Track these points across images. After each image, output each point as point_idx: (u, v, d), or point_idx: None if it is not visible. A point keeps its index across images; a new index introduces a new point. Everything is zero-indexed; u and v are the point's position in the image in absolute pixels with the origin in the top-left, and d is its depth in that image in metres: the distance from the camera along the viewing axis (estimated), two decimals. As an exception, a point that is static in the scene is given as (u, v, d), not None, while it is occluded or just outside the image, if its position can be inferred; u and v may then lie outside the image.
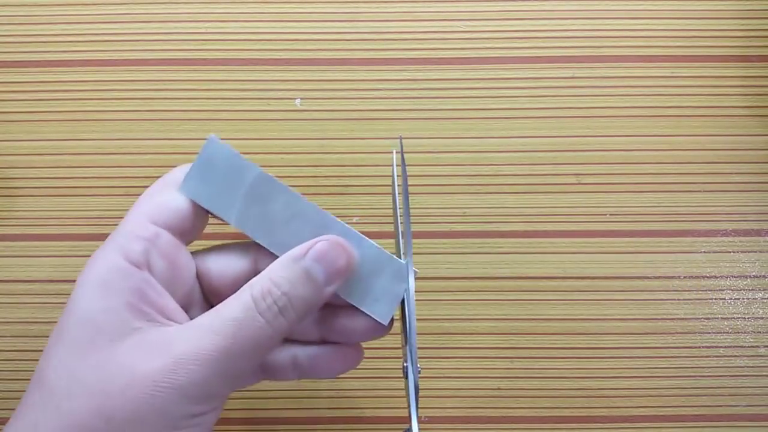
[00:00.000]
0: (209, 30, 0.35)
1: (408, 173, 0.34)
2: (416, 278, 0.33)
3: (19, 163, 0.34)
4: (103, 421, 0.20)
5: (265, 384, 0.33)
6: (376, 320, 0.25)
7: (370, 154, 0.34)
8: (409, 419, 0.24)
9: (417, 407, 0.24)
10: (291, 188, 0.24)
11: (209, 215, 0.25)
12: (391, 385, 0.33)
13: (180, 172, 0.25)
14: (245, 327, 0.22)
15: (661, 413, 0.33)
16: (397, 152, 0.28)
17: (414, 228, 0.34)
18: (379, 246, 0.25)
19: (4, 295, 0.33)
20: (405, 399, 0.33)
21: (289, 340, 0.26)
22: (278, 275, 0.23)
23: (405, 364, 0.25)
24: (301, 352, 0.26)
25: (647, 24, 0.35)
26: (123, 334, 0.21)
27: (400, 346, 0.34)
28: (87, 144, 0.35)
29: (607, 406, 0.33)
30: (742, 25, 0.35)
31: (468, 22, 0.35)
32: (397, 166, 0.27)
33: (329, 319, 0.26)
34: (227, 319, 0.22)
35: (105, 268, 0.22)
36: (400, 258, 0.25)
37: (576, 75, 0.35)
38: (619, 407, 0.33)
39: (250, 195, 0.24)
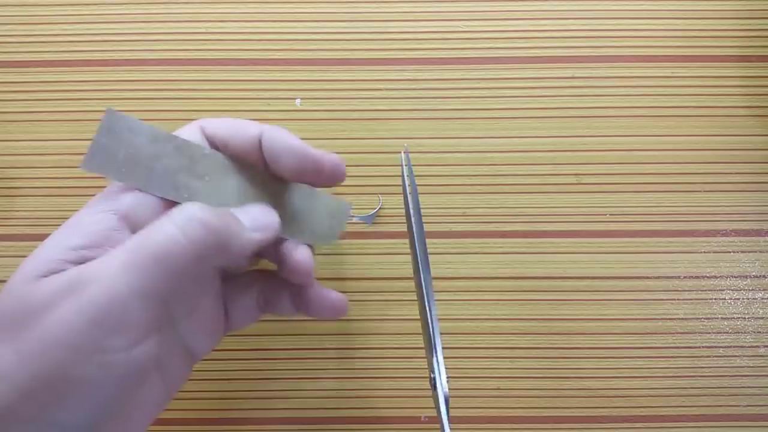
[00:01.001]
0: (209, 30, 0.35)
1: (407, 173, 0.34)
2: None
3: (19, 163, 0.34)
4: (12, 351, 0.19)
5: (265, 384, 0.33)
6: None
7: (370, 154, 0.34)
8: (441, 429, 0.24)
9: (449, 419, 0.24)
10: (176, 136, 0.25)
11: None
12: (391, 385, 0.33)
13: (194, 123, 0.26)
14: (153, 235, 0.20)
15: (661, 413, 0.33)
16: (405, 164, 0.29)
17: (414, 228, 0.34)
18: (313, 189, 0.27)
19: (4, 295, 0.33)
20: (411, 399, 0.33)
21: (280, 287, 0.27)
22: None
23: (432, 375, 0.25)
24: (265, 290, 0.28)
25: (647, 24, 0.35)
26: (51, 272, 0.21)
27: (400, 346, 0.34)
28: (87, 144, 0.34)
29: (607, 406, 0.33)
30: (742, 25, 0.35)
31: (468, 22, 0.35)
32: (406, 176, 0.28)
33: (301, 296, 0.27)
34: (138, 235, 0.21)
35: (77, 215, 0.23)
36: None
37: (576, 75, 0.35)
38: (619, 407, 0.33)
39: (159, 158, 0.24)
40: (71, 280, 0.20)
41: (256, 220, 0.24)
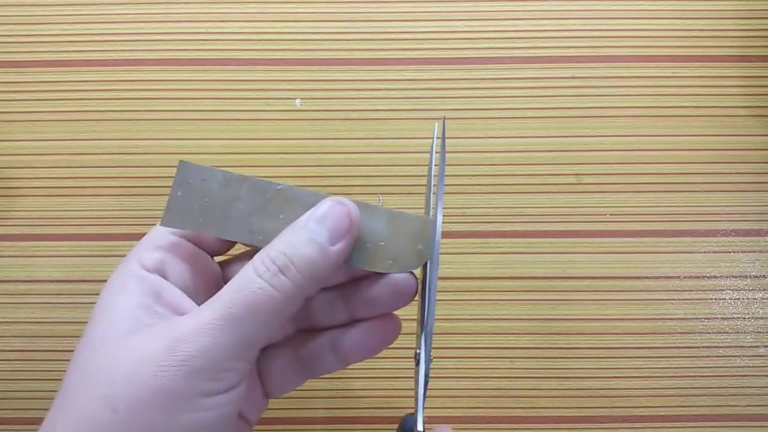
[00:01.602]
0: (209, 30, 0.35)
1: (408, 173, 0.34)
2: (417, 278, 0.33)
3: (19, 163, 0.34)
4: (108, 410, 0.20)
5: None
6: (397, 279, 0.25)
7: (370, 154, 0.34)
8: (415, 406, 0.24)
9: (425, 395, 0.24)
10: (269, 180, 0.24)
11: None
12: (391, 385, 0.33)
13: None
14: (243, 290, 0.21)
15: (661, 413, 0.33)
16: (438, 136, 0.27)
17: (414, 228, 0.34)
18: (392, 209, 0.25)
19: (4, 295, 0.33)
20: (404, 399, 0.33)
21: (323, 328, 0.26)
22: (280, 241, 0.22)
23: (417, 351, 0.25)
24: (338, 335, 0.26)
25: (647, 24, 0.35)
26: (134, 330, 0.21)
27: (400, 346, 0.34)
28: (87, 144, 0.35)
29: (607, 406, 0.33)
30: (742, 25, 0.35)
31: (468, 22, 0.35)
32: (437, 138, 0.26)
33: (353, 294, 0.26)
34: (227, 289, 0.21)
35: (121, 276, 0.23)
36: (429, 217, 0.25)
37: (576, 75, 0.35)
38: (619, 407, 0.33)
39: (233, 203, 0.24)
40: (167, 339, 0.20)
41: (331, 225, 0.23)
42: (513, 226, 0.34)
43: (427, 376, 0.24)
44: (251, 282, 0.21)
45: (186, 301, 0.23)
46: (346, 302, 0.26)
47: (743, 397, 0.33)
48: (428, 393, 0.31)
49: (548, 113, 0.35)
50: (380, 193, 0.34)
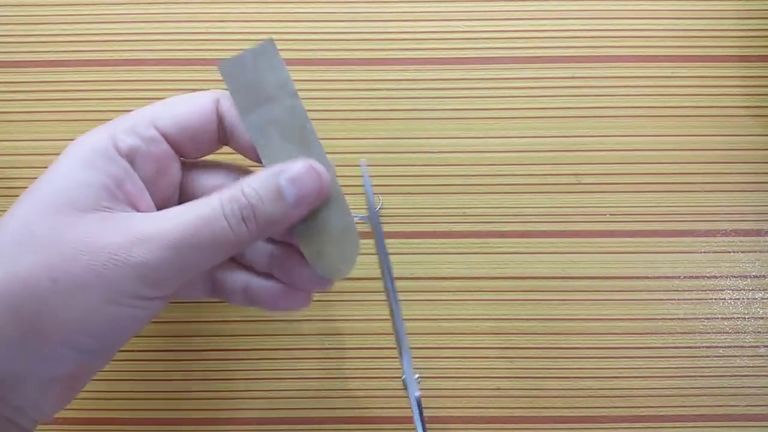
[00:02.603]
0: (209, 30, 0.35)
1: (408, 173, 0.34)
2: (416, 278, 0.33)
3: (19, 163, 0.34)
4: (49, 279, 0.20)
5: (265, 384, 0.33)
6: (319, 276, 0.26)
7: (370, 154, 0.34)
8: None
9: (423, 423, 0.25)
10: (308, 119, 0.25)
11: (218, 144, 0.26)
12: (391, 385, 0.33)
13: (214, 92, 0.26)
14: (207, 224, 0.22)
15: (661, 413, 0.33)
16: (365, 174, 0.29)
17: (414, 228, 0.34)
18: (349, 209, 0.26)
19: (4, 295, 0.33)
20: (401, 399, 0.33)
21: (243, 267, 0.27)
22: (250, 186, 0.23)
23: (403, 377, 0.25)
24: (253, 282, 0.27)
25: (647, 24, 0.35)
26: (90, 209, 0.22)
27: (396, 346, 0.34)
28: (87, 144, 0.34)
29: (607, 406, 0.33)
30: (742, 25, 0.35)
31: (468, 22, 0.35)
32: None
33: (281, 254, 0.27)
34: (193, 214, 0.22)
35: (92, 147, 0.23)
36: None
37: (576, 75, 0.35)
38: (619, 407, 0.33)
39: (271, 113, 0.25)
40: (125, 236, 0.21)
41: (301, 190, 0.24)
42: (513, 226, 0.34)
43: (418, 399, 0.25)
44: (216, 219, 0.22)
45: (145, 198, 0.24)
46: (272, 257, 0.27)
47: (743, 397, 0.33)
48: (429, 393, 0.31)
49: (548, 113, 0.35)
50: (380, 194, 0.34)
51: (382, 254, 0.27)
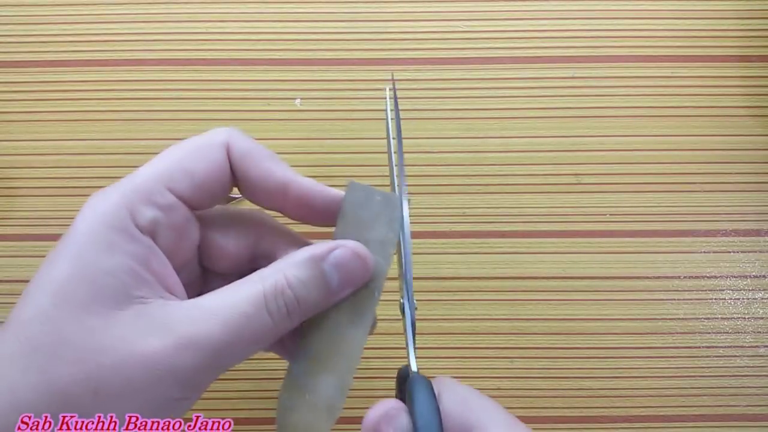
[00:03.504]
0: (209, 30, 0.35)
1: (408, 173, 0.34)
2: (417, 278, 0.33)
3: (19, 163, 0.34)
4: (90, 391, 0.19)
5: (264, 383, 0.33)
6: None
7: (370, 154, 0.34)
8: (407, 350, 0.25)
9: (414, 343, 0.25)
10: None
11: (231, 190, 0.24)
12: (391, 385, 0.33)
13: (222, 133, 0.23)
14: (252, 323, 0.21)
15: (661, 413, 0.33)
16: (390, 90, 0.27)
17: (414, 228, 0.34)
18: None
19: (4, 295, 0.33)
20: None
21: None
22: (293, 274, 0.22)
23: (402, 301, 0.25)
24: None
25: (647, 24, 0.35)
26: (122, 302, 0.20)
27: (399, 346, 0.34)
28: (87, 144, 0.35)
29: (607, 406, 0.33)
30: (742, 25, 0.35)
31: (468, 22, 0.35)
32: (390, 98, 0.26)
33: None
34: (236, 311, 0.20)
35: (110, 224, 0.20)
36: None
37: (576, 75, 0.35)
38: (619, 407, 0.33)
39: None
40: (165, 340, 0.20)
41: (346, 275, 0.23)
42: (513, 226, 0.34)
43: (413, 323, 0.25)
44: (260, 317, 0.21)
45: (172, 275, 0.22)
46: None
47: (743, 397, 0.33)
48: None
49: (548, 113, 0.35)
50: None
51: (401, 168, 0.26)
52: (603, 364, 0.33)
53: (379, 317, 0.33)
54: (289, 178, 0.23)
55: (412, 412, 0.23)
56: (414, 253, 0.34)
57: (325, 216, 0.24)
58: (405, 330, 0.25)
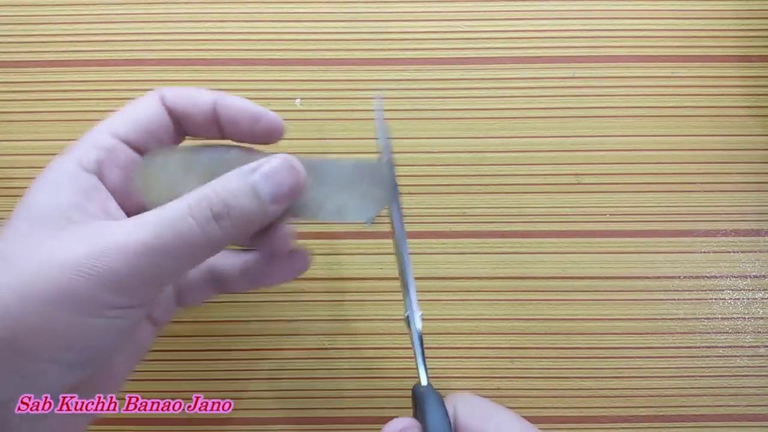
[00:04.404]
0: (209, 30, 0.35)
1: (408, 173, 0.34)
2: (417, 278, 0.33)
3: (19, 163, 0.34)
4: (20, 300, 0.20)
5: (265, 384, 0.33)
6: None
7: (370, 154, 0.34)
8: (416, 364, 0.25)
9: (424, 356, 0.25)
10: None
11: (178, 134, 0.27)
12: (391, 385, 0.33)
13: (155, 92, 0.26)
14: (172, 225, 0.21)
15: (661, 413, 0.33)
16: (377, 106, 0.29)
17: (414, 228, 0.34)
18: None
19: (4, 295, 0.33)
20: (403, 399, 0.33)
21: (238, 252, 0.28)
22: (222, 185, 0.23)
23: (407, 314, 0.26)
24: (248, 261, 0.27)
25: (647, 24, 0.35)
26: (62, 227, 0.22)
27: (399, 346, 0.34)
28: (87, 144, 0.34)
29: (607, 406, 0.33)
30: (742, 25, 0.35)
31: (468, 22, 0.35)
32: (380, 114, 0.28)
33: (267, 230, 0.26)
34: (158, 216, 0.22)
35: (57, 170, 0.23)
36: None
37: (576, 75, 0.35)
38: (619, 407, 0.33)
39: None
40: (90, 246, 0.21)
41: (276, 186, 0.23)
42: (513, 226, 0.34)
43: (420, 334, 0.26)
44: (182, 219, 0.22)
45: (117, 210, 0.24)
46: (261, 234, 0.27)
47: (743, 397, 0.33)
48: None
49: (548, 113, 0.35)
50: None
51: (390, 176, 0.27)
52: (603, 364, 0.33)
53: (376, 316, 0.33)
54: (216, 96, 0.26)
55: (424, 427, 0.24)
56: (414, 253, 0.34)
57: (256, 133, 0.26)
58: (412, 344, 0.25)
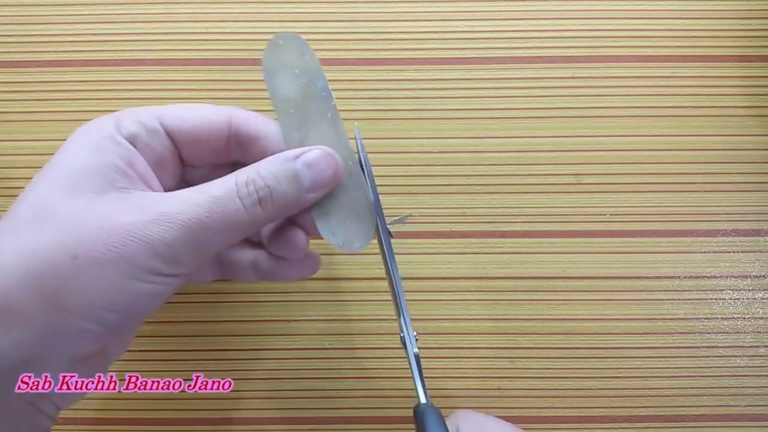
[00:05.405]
0: (209, 30, 0.35)
1: (408, 173, 0.34)
2: (417, 278, 0.33)
3: (19, 163, 0.34)
4: (69, 256, 0.21)
5: (265, 384, 0.33)
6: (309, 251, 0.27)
7: (370, 154, 0.34)
8: (414, 383, 0.25)
9: (421, 375, 0.25)
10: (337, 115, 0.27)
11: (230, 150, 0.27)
12: (391, 385, 0.33)
13: (224, 110, 0.26)
14: (223, 205, 0.23)
15: (661, 413, 0.33)
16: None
17: (414, 228, 0.34)
18: (366, 186, 0.27)
19: (4, 295, 0.33)
20: (404, 399, 0.33)
21: (252, 244, 0.28)
22: (266, 169, 0.24)
23: (402, 335, 0.26)
24: (260, 257, 0.28)
25: (647, 24, 0.35)
26: (107, 190, 0.22)
27: (399, 346, 0.34)
28: (87, 144, 0.34)
29: (607, 406, 0.33)
30: (742, 25, 0.35)
31: (468, 22, 0.35)
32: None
33: (284, 228, 0.27)
34: (208, 195, 0.23)
35: (99, 132, 0.24)
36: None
37: (576, 75, 0.35)
38: (619, 407, 0.33)
39: (304, 93, 0.27)
40: (142, 214, 0.22)
41: (316, 174, 0.25)
42: (513, 226, 0.34)
43: (417, 355, 0.26)
44: (231, 201, 0.23)
45: (154, 179, 0.25)
46: (277, 231, 0.28)
47: (743, 397, 0.33)
48: (429, 393, 0.31)
49: (548, 113, 0.35)
50: (380, 193, 0.34)
51: (377, 208, 0.28)
52: (603, 364, 0.33)
53: (376, 316, 0.33)
54: (227, 114, 0.26)
55: None
56: (414, 254, 0.34)
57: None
58: (409, 363, 0.26)
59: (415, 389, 0.25)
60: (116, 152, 0.23)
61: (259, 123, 0.26)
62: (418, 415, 0.25)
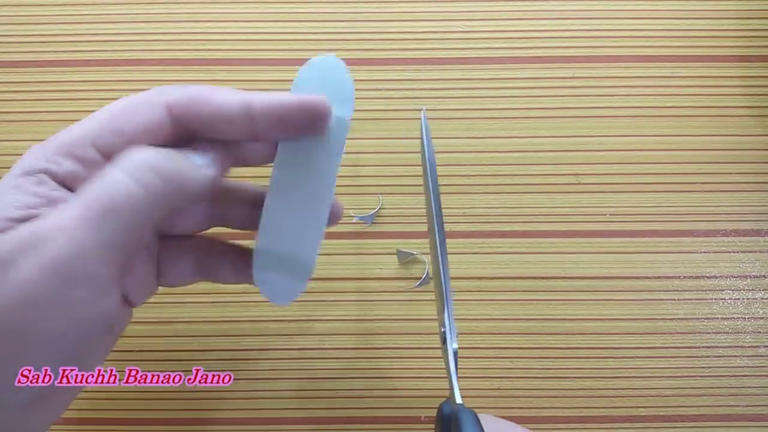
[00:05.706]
0: (209, 30, 0.35)
1: (408, 173, 0.34)
2: (417, 278, 0.33)
3: (19, 163, 0.34)
4: None
5: (265, 384, 0.33)
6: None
7: (370, 154, 0.34)
8: (449, 382, 0.25)
9: (457, 373, 0.25)
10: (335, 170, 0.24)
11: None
12: (391, 385, 0.33)
13: (161, 92, 0.23)
14: (105, 186, 0.19)
15: (661, 413, 0.33)
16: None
17: (414, 228, 0.34)
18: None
19: (4, 295, 0.33)
20: (404, 399, 0.33)
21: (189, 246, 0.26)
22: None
23: (443, 329, 0.26)
24: (240, 256, 0.25)
25: (647, 24, 0.35)
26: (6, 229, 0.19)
27: (399, 346, 0.34)
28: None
29: (607, 406, 0.33)
30: (742, 25, 0.35)
31: (468, 22, 0.35)
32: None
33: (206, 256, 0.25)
34: (88, 187, 0.20)
35: (22, 172, 0.21)
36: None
37: (576, 75, 0.35)
38: (619, 407, 0.33)
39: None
40: (30, 237, 0.19)
41: (206, 154, 0.22)
42: (513, 226, 0.34)
43: (455, 351, 0.26)
44: (112, 178, 0.20)
45: (65, 195, 0.21)
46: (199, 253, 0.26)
47: (743, 397, 0.33)
48: (428, 393, 0.31)
49: (548, 113, 0.35)
50: (380, 193, 0.34)
51: (435, 203, 0.26)
52: (603, 364, 0.33)
53: (375, 316, 0.33)
54: (249, 95, 0.23)
55: None
56: (414, 253, 0.34)
57: (300, 123, 0.24)
58: (446, 361, 0.25)
59: (450, 388, 0.25)
60: (34, 193, 0.20)
61: (202, 97, 0.23)
62: (452, 415, 0.24)
